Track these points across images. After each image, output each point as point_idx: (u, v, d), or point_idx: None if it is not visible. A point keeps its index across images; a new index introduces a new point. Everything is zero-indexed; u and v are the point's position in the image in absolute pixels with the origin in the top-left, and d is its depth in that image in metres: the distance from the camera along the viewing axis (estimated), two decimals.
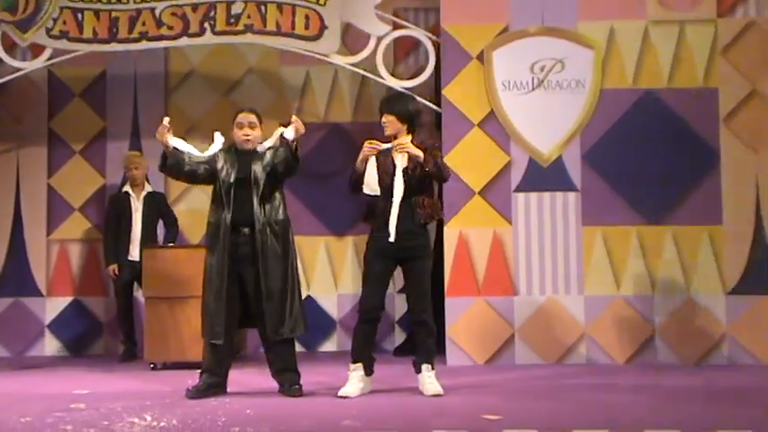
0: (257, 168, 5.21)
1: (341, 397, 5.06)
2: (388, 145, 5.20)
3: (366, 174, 5.23)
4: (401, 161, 5.16)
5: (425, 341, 5.20)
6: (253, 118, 5.31)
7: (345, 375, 5.20)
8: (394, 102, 5.44)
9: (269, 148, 5.27)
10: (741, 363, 6.63)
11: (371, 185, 5.21)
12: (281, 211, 5.25)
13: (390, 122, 5.29)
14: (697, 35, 6.95)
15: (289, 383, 5.19)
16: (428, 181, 5.25)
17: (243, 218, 5.17)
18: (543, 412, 4.55)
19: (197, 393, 5.06)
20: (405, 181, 5.13)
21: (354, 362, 5.18)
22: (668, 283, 6.83)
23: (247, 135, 5.26)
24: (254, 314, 5.20)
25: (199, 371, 5.25)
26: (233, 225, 5.14)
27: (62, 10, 6.99)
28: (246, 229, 5.16)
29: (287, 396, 5.11)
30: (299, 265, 8.06)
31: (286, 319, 5.14)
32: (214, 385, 5.14)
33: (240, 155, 5.28)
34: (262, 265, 5.13)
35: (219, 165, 5.24)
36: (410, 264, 5.21)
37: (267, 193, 5.21)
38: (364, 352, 5.20)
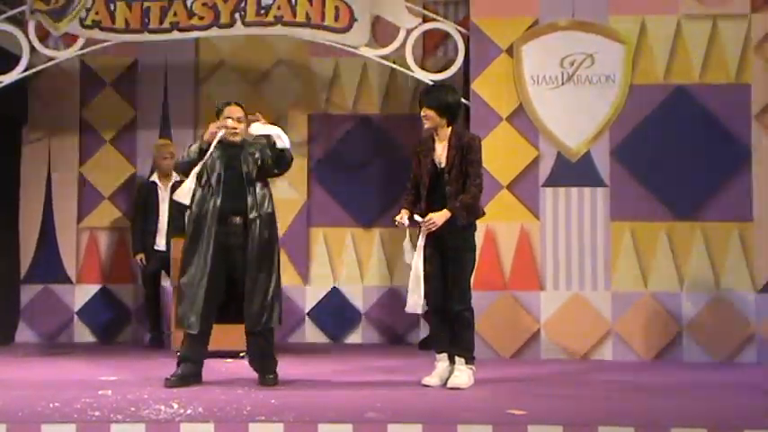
0: (247, 160, 5.24)
1: (424, 385, 5.14)
2: (417, 218, 5.15)
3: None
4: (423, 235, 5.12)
5: (459, 334, 5.22)
6: (240, 112, 5.32)
7: (369, 367, 5.21)
8: (434, 94, 5.28)
9: (254, 140, 5.29)
10: None
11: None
12: (267, 203, 5.26)
13: (430, 117, 5.20)
14: (730, 30, 6.88)
15: (264, 372, 5.23)
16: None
17: (233, 207, 5.17)
18: (568, 408, 4.53)
19: (177, 382, 5.09)
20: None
21: (438, 352, 5.29)
22: (697, 280, 6.77)
23: (235, 128, 5.28)
24: (237, 304, 5.20)
25: (181, 359, 5.23)
26: (222, 214, 5.15)
27: (95, 0, 7.05)
28: (238, 219, 5.17)
29: (263, 386, 5.13)
30: (328, 258, 8.09)
31: (266, 310, 5.17)
32: (192, 375, 5.17)
33: (226, 147, 5.28)
34: (251, 255, 5.15)
35: (207, 156, 5.22)
36: (450, 256, 5.21)
37: (257, 184, 5.23)
38: (441, 342, 5.27)
